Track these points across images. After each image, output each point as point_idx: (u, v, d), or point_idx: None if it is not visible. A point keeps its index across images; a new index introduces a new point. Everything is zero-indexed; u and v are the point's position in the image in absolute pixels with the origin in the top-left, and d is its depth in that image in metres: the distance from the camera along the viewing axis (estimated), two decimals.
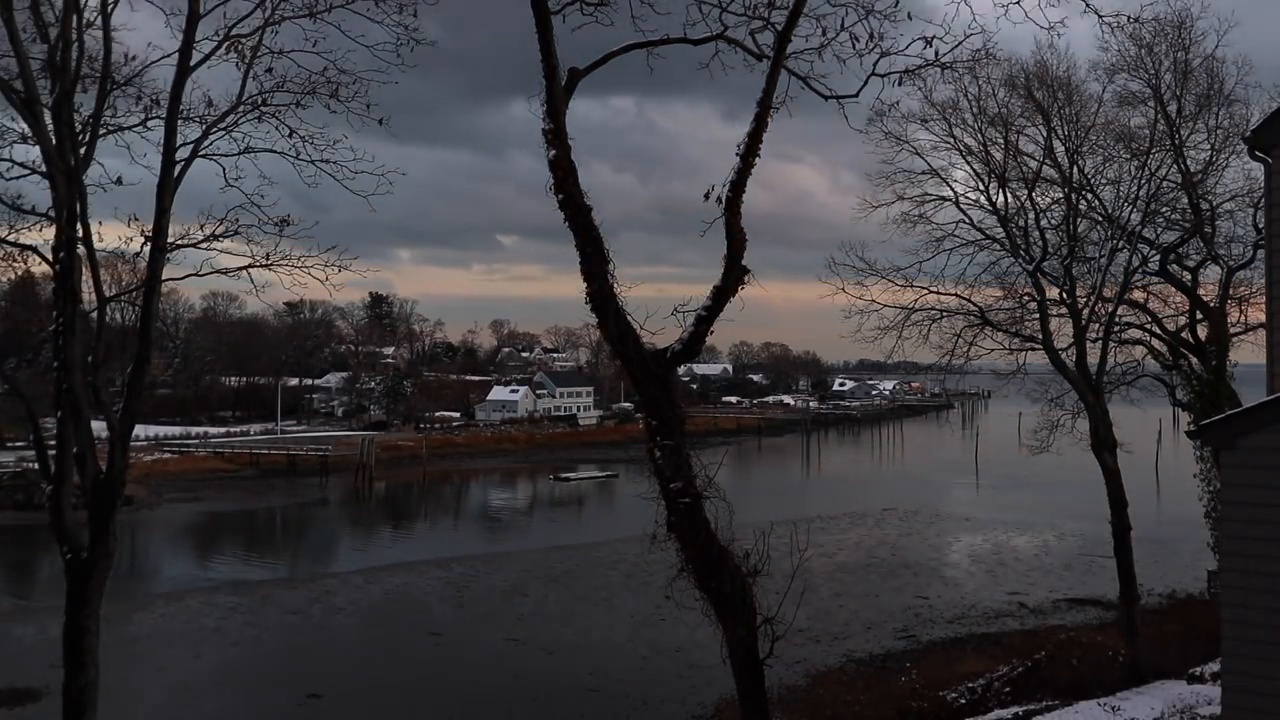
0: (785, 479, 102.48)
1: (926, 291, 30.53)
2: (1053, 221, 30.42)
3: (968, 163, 30.34)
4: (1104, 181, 30.50)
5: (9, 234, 15.85)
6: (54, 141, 14.81)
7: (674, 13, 13.58)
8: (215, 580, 52.41)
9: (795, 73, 14.03)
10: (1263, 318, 19.97)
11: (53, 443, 15.69)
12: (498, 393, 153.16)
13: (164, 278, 16.28)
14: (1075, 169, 29.88)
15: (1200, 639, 26.86)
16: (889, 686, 28.69)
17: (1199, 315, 32.28)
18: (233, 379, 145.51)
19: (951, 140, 30.10)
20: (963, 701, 25.35)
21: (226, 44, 15.79)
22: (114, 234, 15.74)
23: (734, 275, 13.50)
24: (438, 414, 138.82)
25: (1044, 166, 30.18)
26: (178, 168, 15.63)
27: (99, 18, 15.28)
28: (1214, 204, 31.31)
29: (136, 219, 15.53)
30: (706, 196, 13.56)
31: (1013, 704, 24.61)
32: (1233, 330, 32.06)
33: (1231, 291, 31.46)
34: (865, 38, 13.67)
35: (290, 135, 16.37)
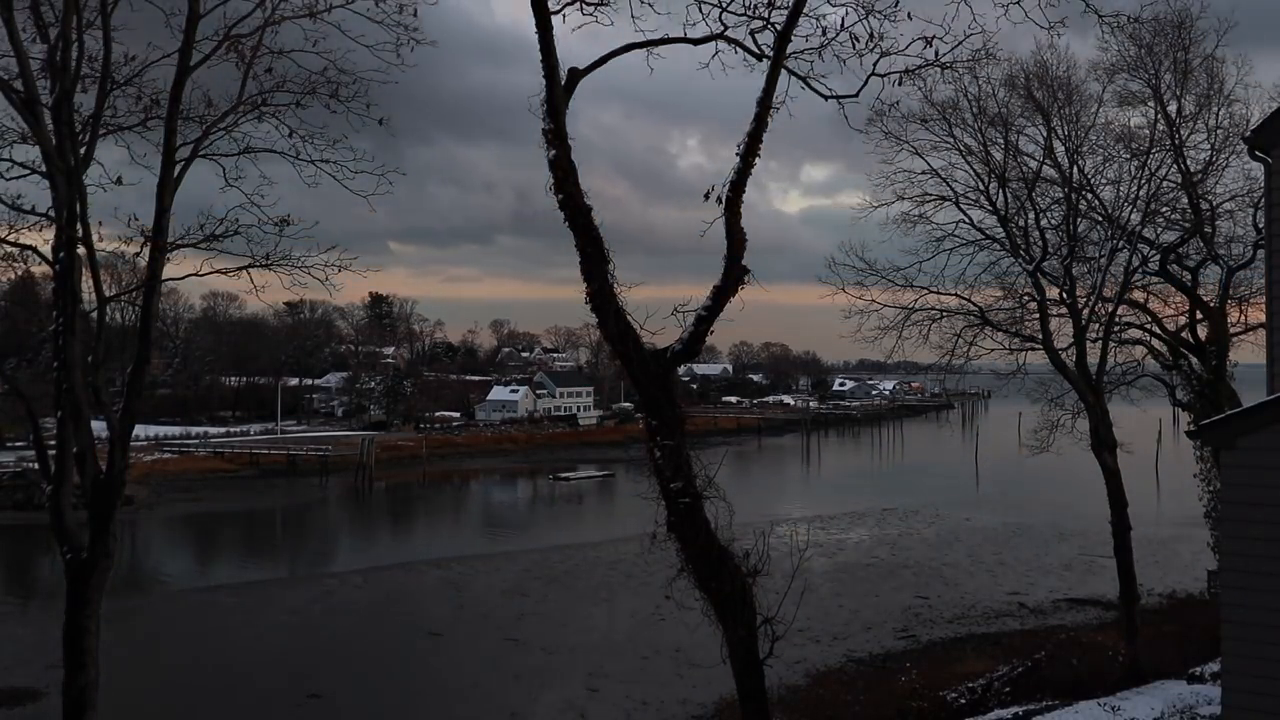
0: (785, 479, 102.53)
1: (926, 291, 30.54)
2: (1053, 221, 30.44)
3: (968, 163, 30.35)
4: (1104, 181, 30.52)
5: (9, 234, 15.84)
6: (54, 141, 14.80)
7: (674, 13, 13.59)
8: (215, 580, 52.43)
9: (795, 73, 14.02)
10: (1263, 318, 19.99)
11: (53, 443, 15.68)
12: (498, 393, 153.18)
13: (164, 278, 16.28)
14: (1075, 169, 29.88)
15: (1200, 639, 26.85)
16: (889, 686, 28.67)
17: (1199, 315, 32.25)
18: (233, 379, 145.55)
19: (951, 140, 30.10)
20: (963, 701, 25.33)
21: (226, 44, 15.79)
22: (114, 234, 15.76)
23: (734, 275, 13.49)
24: (438, 414, 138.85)
25: (1044, 166, 30.18)
26: (178, 168, 15.64)
27: (99, 18, 15.28)
28: (1214, 204, 31.30)
29: (136, 219, 15.55)
30: (706, 197, 13.55)
31: (1013, 704, 24.59)
32: (1233, 330, 32.03)
33: (1231, 291, 31.42)
34: (865, 38, 13.67)
35: (290, 135, 16.38)
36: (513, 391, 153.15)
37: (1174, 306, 33.33)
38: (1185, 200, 30.68)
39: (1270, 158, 14.36)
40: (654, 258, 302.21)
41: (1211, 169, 30.60)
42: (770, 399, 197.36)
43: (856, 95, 14.28)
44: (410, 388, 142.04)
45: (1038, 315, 29.72)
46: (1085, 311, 28.99)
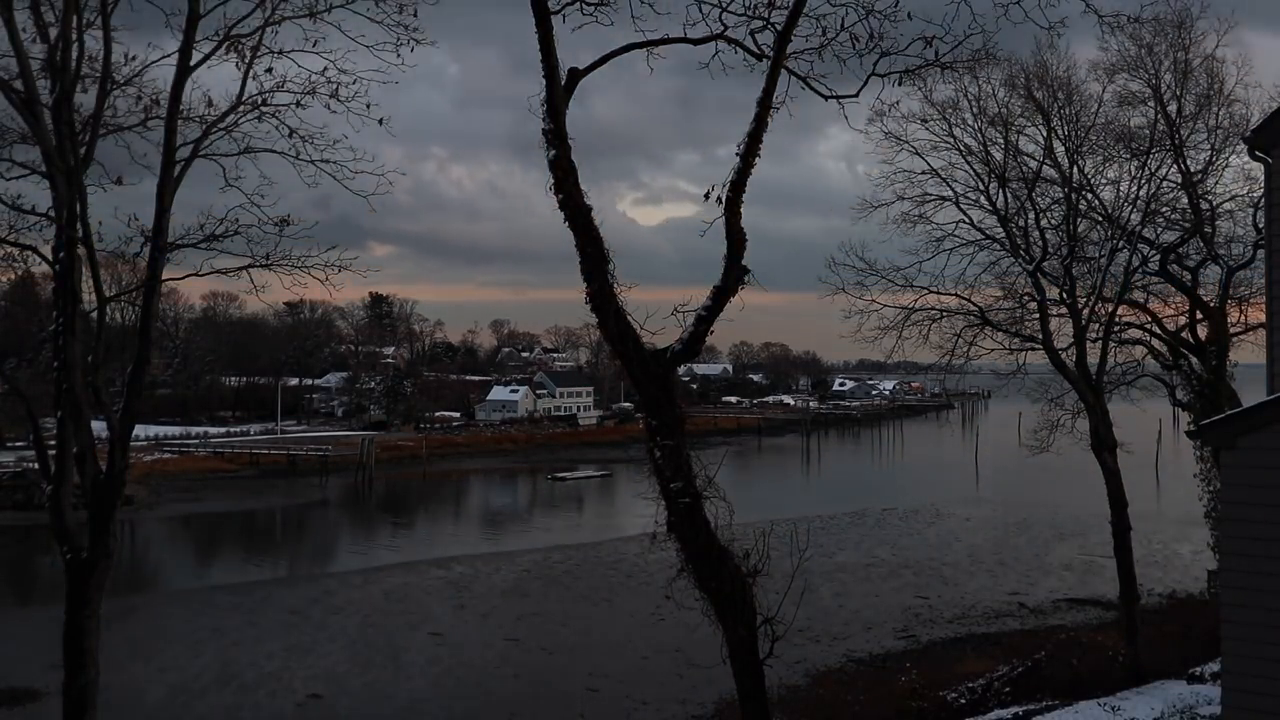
0: (785, 479, 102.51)
1: (926, 292, 30.49)
2: (1053, 221, 30.38)
3: (968, 163, 30.30)
4: (1104, 181, 30.47)
5: (9, 234, 15.85)
6: (54, 141, 14.81)
7: (674, 13, 13.59)
8: (215, 580, 52.42)
9: (795, 73, 14.02)
10: (1263, 318, 19.98)
11: (53, 443, 15.69)
12: (498, 393, 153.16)
13: (164, 278, 16.29)
14: (1075, 169, 29.83)
15: (1200, 639, 26.87)
16: (889, 686, 28.67)
17: (1199, 315, 32.23)
18: (233, 379, 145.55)
19: (951, 140, 30.06)
20: (963, 701, 25.33)
21: (226, 44, 15.81)
22: (114, 234, 15.77)
23: (734, 275, 13.49)
24: (438, 414, 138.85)
25: (1044, 166, 30.14)
26: (178, 168, 15.65)
27: (99, 18, 15.29)
28: (1214, 204, 31.28)
29: (136, 219, 15.56)
30: (706, 196, 13.56)
31: (1013, 704, 24.59)
32: (1233, 330, 32.01)
33: (1231, 291, 31.39)
34: (865, 38, 13.66)
35: (290, 135, 16.39)
36: (513, 391, 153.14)
37: (1174, 306, 33.31)
38: (1185, 200, 30.66)
39: (1270, 158, 14.36)
40: (439, 258, 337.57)
41: (1211, 169, 30.59)
42: (770, 399, 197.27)
43: (856, 95, 14.29)
44: (410, 388, 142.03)
45: (1038, 315, 29.69)
46: (1085, 311, 28.96)
